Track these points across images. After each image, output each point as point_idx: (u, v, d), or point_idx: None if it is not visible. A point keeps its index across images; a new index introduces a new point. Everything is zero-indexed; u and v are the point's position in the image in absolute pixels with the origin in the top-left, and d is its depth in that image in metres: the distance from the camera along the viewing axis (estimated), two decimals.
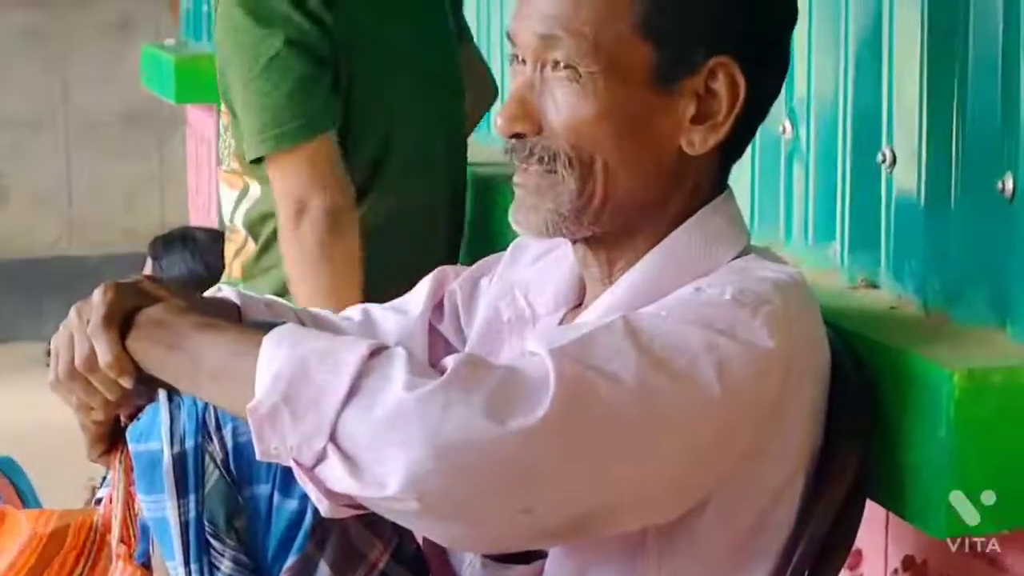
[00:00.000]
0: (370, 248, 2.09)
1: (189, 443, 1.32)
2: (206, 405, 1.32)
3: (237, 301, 1.49)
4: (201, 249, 2.97)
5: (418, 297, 1.59)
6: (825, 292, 1.45)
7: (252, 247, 2.25)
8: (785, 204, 1.73)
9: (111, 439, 1.39)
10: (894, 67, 1.54)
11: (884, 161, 1.55)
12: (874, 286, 1.58)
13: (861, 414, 1.38)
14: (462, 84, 2.32)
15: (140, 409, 1.36)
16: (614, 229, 1.36)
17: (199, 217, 4.66)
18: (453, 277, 1.59)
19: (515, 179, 1.37)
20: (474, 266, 1.60)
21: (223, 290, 1.52)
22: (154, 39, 4.86)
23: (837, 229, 1.64)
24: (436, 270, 1.61)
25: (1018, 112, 1.37)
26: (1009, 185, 1.37)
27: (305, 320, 1.53)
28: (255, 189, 2.22)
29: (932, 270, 1.49)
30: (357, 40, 2.14)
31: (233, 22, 2.11)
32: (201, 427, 1.33)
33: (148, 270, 2.85)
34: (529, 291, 1.48)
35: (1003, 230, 1.39)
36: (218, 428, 1.32)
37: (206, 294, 1.53)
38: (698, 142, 1.34)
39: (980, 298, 1.43)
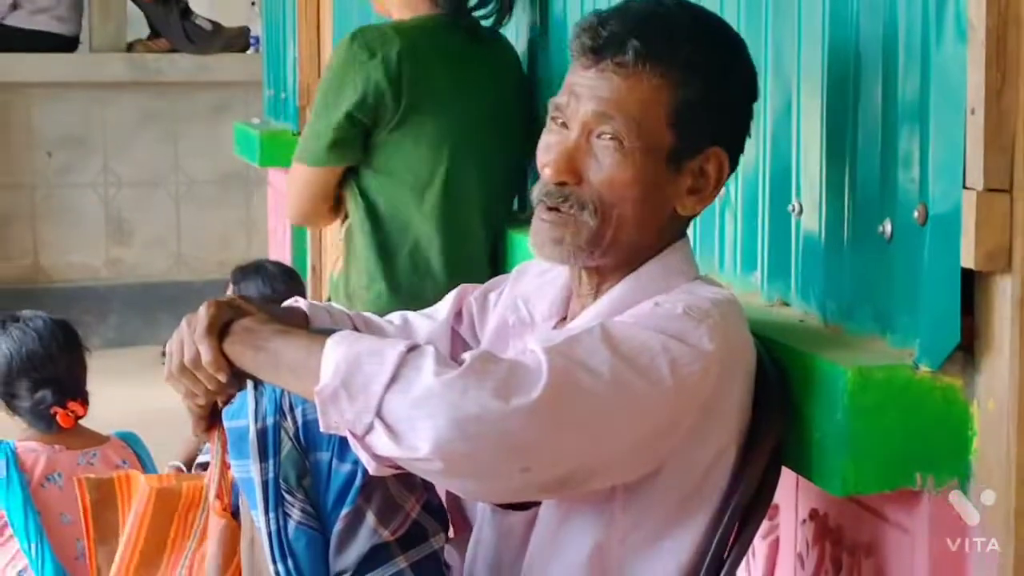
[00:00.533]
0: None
1: (269, 420, 1.32)
2: (282, 392, 1.32)
3: (306, 310, 1.49)
4: (270, 277, 2.95)
5: (443, 307, 1.58)
6: (749, 309, 1.43)
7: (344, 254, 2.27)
8: (719, 242, 1.73)
9: (210, 419, 1.39)
10: (801, 141, 1.54)
11: (794, 210, 1.54)
12: (786, 304, 1.57)
13: (778, 401, 1.37)
14: (512, 163, 2.24)
15: (232, 396, 1.36)
16: (611, 262, 1.36)
17: (276, 253, 4.65)
18: (470, 292, 1.59)
19: (541, 215, 1.35)
20: (486, 284, 1.59)
21: (298, 301, 1.52)
22: (244, 119, 4.86)
23: (758, 261, 1.63)
24: (458, 287, 1.60)
25: (895, 173, 1.36)
26: (888, 229, 1.37)
27: (358, 323, 1.53)
28: (350, 208, 2.22)
29: (830, 293, 1.48)
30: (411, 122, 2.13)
31: (329, 75, 2.12)
32: (278, 408, 1.32)
33: (229, 292, 2.84)
34: (529, 303, 1.48)
35: (883, 263, 1.38)
36: (291, 409, 1.32)
37: (284, 304, 1.53)
38: (689, 208, 1.36)
39: (866, 314, 1.42)
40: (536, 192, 1.36)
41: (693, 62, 1.32)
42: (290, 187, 2.23)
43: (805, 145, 1.53)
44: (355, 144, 2.13)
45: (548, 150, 1.35)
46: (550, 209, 1.34)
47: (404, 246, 2.16)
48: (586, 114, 1.32)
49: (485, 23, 2.26)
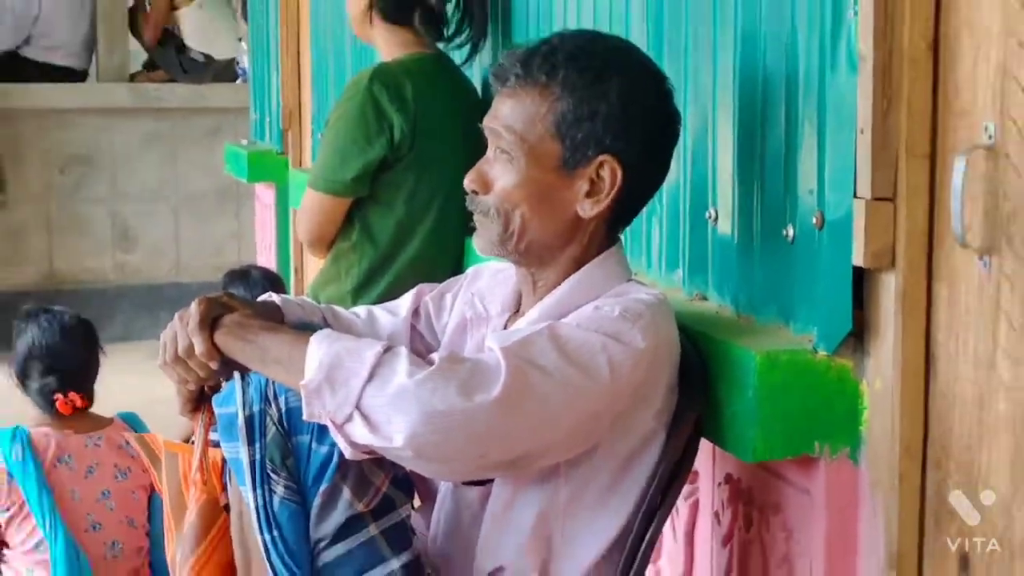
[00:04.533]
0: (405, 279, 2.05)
1: (256, 408, 1.30)
2: (267, 381, 1.30)
3: (280, 304, 1.46)
4: (252, 283, 2.89)
5: (404, 304, 1.56)
6: (672, 302, 1.43)
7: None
8: (647, 245, 1.72)
9: (197, 402, 1.37)
10: (717, 157, 1.53)
11: (711, 217, 1.54)
12: (705, 298, 1.57)
13: (699, 383, 1.37)
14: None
15: (220, 384, 1.34)
16: (533, 259, 1.36)
17: (264, 256, 4.60)
18: (428, 291, 1.57)
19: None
20: (441, 285, 1.57)
21: (272, 296, 1.49)
22: (234, 140, 4.81)
23: (680, 261, 1.63)
24: (417, 287, 1.58)
25: (797, 184, 1.36)
26: (791, 232, 1.37)
27: (327, 315, 1.51)
28: (343, 233, 2.15)
29: (742, 288, 1.48)
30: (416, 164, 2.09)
31: (348, 113, 2.04)
32: (263, 397, 1.30)
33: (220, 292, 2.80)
34: (484, 299, 1.46)
35: (787, 262, 1.39)
36: (275, 397, 1.30)
37: (259, 299, 1.50)
38: (587, 210, 1.34)
39: (773, 306, 1.42)
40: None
41: (568, 80, 1.31)
42: (310, 213, 2.14)
43: (720, 161, 1.53)
44: (372, 178, 2.08)
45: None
46: (476, 213, 1.36)
47: (390, 271, 2.12)
48: (490, 133, 1.34)
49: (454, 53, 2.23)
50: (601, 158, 1.32)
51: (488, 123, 1.35)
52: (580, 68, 1.32)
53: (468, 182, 1.35)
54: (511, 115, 1.32)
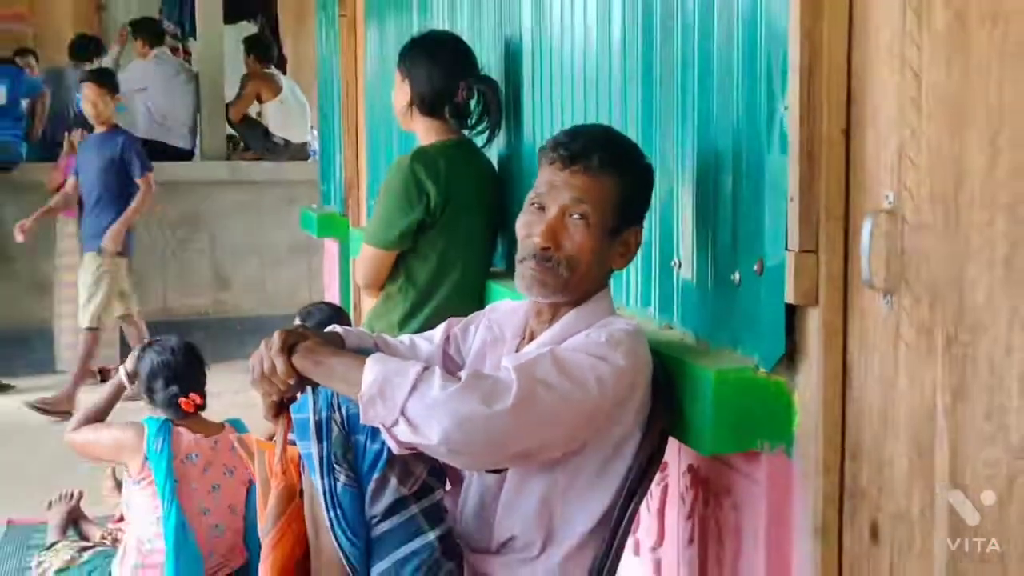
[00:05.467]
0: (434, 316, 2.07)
1: (323, 414, 1.33)
2: (333, 393, 1.32)
3: (342, 334, 1.46)
4: (321, 317, 2.89)
5: (437, 334, 1.56)
6: (646, 331, 1.45)
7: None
8: (627, 286, 1.74)
9: (278, 409, 1.37)
10: (679, 217, 1.55)
11: (676, 265, 1.56)
12: (671, 328, 1.59)
13: (667, 394, 1.39)
14: (491, 237, 2.23)
15: (296, 396, 1.36)
16: (569, 299, 1.38)
17: (330, 295, 4.63)
18: (456, 324, 1.57)
19: (531, 266, 1.35)
20: (467, 318, 1.58)
21: (336, 328, 1.48)
22: (307, 205, 4.87)
23: (652, 299, 1.65)
24: (448, 320, 1.58)
25: (742, 239, 1.38)
26: (737, 277, 1.39)
27: (379, 342, 1.51)
28: (390, 279, 2.18)
29: (700, 320, 1.50)
30: (447, 223, 2.12)
31: (394, 185, 2.08)
32: (330, 405, 1.32)
33: (295, 324, 2.81)
34: (502, 326, 1.48)
35: (735, 300, 1.40)
36: (339, 407, 1.32)
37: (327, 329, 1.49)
38: (619, 265, 1.40)
39: (724, 335, 1.44)
40: (523, 252, 1.38)
41: (633, 169, 1.38)
42: (365, 263, 2.19)
43: (682, 222, 1.55)
44: (413, 236, 2.12)
45: (532, 225, 1.37)
46: (540, 263, 1.35)
47: (427, 308, 2.15)
48: (565, 200, 1.34)
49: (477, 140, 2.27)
50: (632, 228, 1.39)
51: (562, 193, 1.33)
52: (638, 159, 1.40)
53: (545, 239, 1.33)
54: (594, 189, 1.33)
